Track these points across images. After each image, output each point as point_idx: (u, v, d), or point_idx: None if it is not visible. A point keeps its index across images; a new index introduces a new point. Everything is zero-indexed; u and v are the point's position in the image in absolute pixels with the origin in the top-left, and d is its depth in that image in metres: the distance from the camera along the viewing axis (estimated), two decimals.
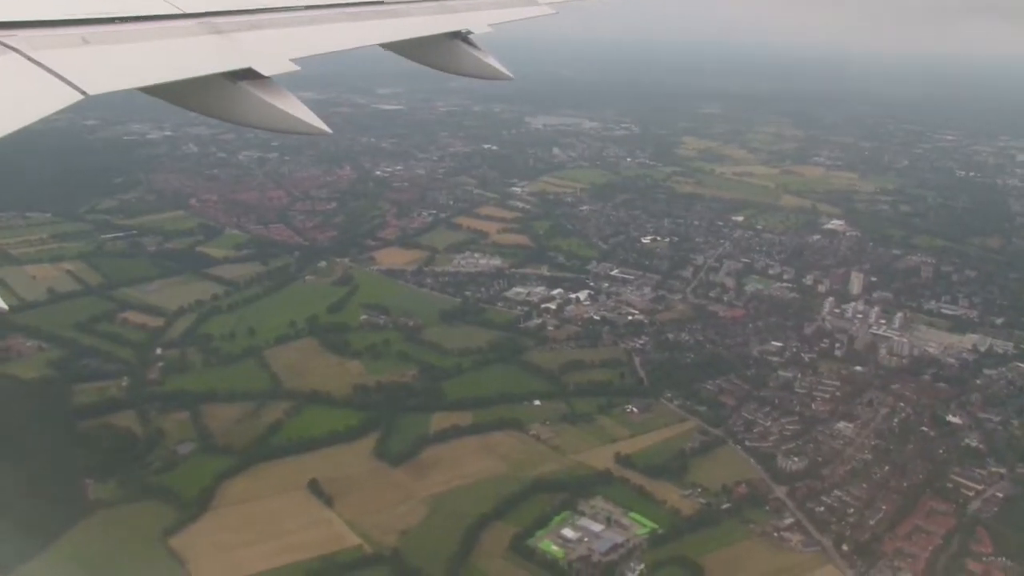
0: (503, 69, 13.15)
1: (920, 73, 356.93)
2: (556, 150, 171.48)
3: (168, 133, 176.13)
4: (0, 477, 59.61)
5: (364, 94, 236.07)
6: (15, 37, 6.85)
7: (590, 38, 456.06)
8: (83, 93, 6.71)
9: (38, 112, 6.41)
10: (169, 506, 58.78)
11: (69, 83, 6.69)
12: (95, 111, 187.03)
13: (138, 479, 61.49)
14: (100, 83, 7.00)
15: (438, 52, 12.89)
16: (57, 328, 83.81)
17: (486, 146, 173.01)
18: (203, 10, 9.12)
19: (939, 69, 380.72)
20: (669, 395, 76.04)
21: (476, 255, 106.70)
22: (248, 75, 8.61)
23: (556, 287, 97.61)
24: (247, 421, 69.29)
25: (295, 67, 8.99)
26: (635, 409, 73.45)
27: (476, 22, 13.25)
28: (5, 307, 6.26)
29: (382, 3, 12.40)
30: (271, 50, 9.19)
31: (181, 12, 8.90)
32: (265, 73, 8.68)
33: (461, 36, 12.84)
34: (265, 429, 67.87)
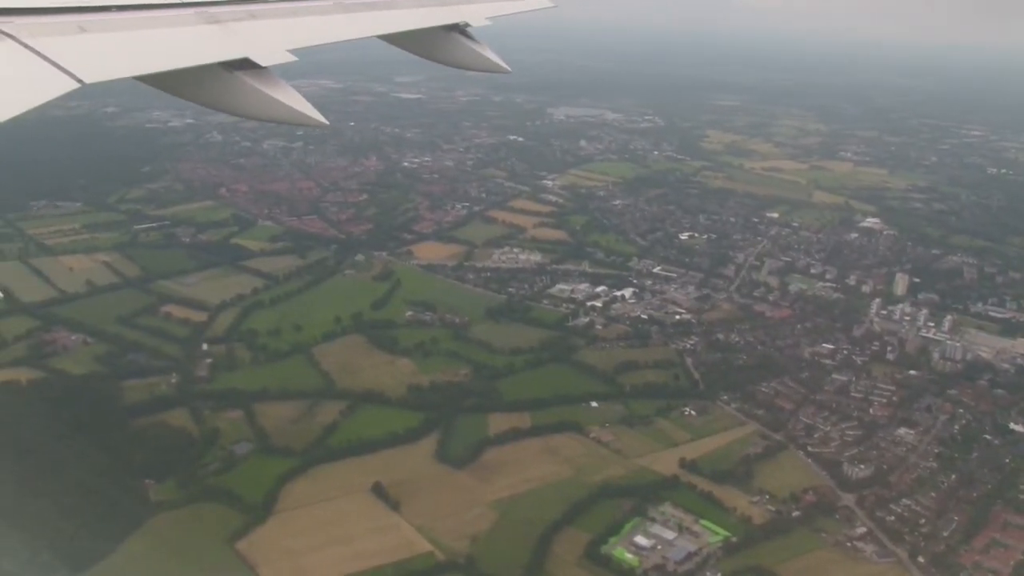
0: (500, 62, 13.18)
1: (935, 66, 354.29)
2: (583, 142, 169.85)
3: (190, 121, 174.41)
4: (62, 476, 58.95)
5: (382, 82, 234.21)
6: (12, 24, 6.86)
7: (592, 26, 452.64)
8: (80, 81, 6.69)
9: (35, 99, 6.35)
10: (232, 509, 57.80)
11: (66, 71, 6.68)
12: (114, 98, 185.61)
13: (198, 480, 60.58)
14: (97, 71, 6.98)
15: (436, 45, 12.94)
16: (100, 322, 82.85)
17: (511, 137, 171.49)
18: (201, 0, 9.16)
19: (953, 62, 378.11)
20: (725, 398, 75.10)
21: (515, 250, 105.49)
22: (245, 65, 8.61)
23: (599, 284, 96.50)
24: (302, 421, 68.30)
25: (293, 58, 9.01)
26: (693, 412, 72.53)
27: (474, 15, 13.25)
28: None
29: None
30: (269, 41, 9.21)
31: (179, 1, 8.94)
32: (262, 64, 8.68)
33: (459, 29, 12.85)
34: (322, 429, 66.85)
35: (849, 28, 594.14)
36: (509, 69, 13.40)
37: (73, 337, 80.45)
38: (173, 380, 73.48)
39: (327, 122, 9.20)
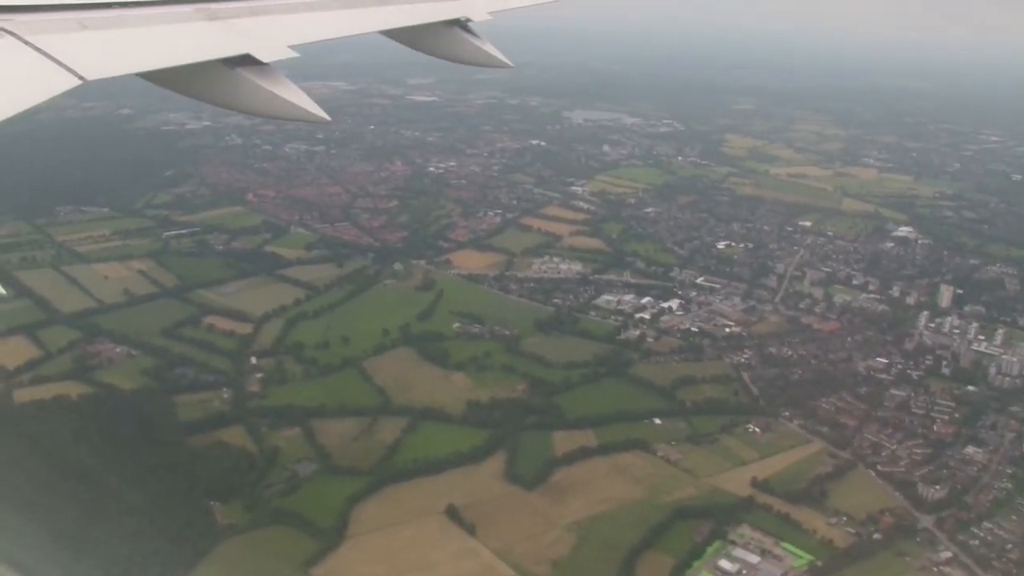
0: (502, 57, 13.17)
1: (938, 67, 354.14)
2: (606, 147, 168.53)
3: (207, 123, 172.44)
4: (126, 498, 57.36)
5: (396, 84, 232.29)
6: (13, 21, 6.85)
7: (598, 28, 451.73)
8: (81, 78, 6.69)
9: (37, 97, 6.35)
10: (304, 533, 56.50)
11: (67, 68, 6.68)
12: (128, 99, 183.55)
13: (264, 502, 59.10)
14: (98, 68, 6.98)
15: (437, 40, 12.88)
16: (143, 333, 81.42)
17: (533, 142, 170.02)
18: None
19: (954, 62, 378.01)
20: (787, 414, 74.02)
21: (555, 259, 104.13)
22: (246, 61, 8.57)
23: (644, 295, 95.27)
24: (363, 438, 66.96)
25: (294, 53, 8.99)
26: (757, 429, 71.44)
27: (475, 10, 13.21)
28: (3, 291, 5.43)
29: None
30: (269, 37, 9.18)
31: None
32: (263, 60, 8.65)
33: (460, 24, 12.82)
34: (385, 448, 65.54)
35: (841, 28, 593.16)
36: (511, 64, 13.33)
37: (117, 349, 79.00)
38: (225, 395, 72.13)
39: (328, 118, 9.14)
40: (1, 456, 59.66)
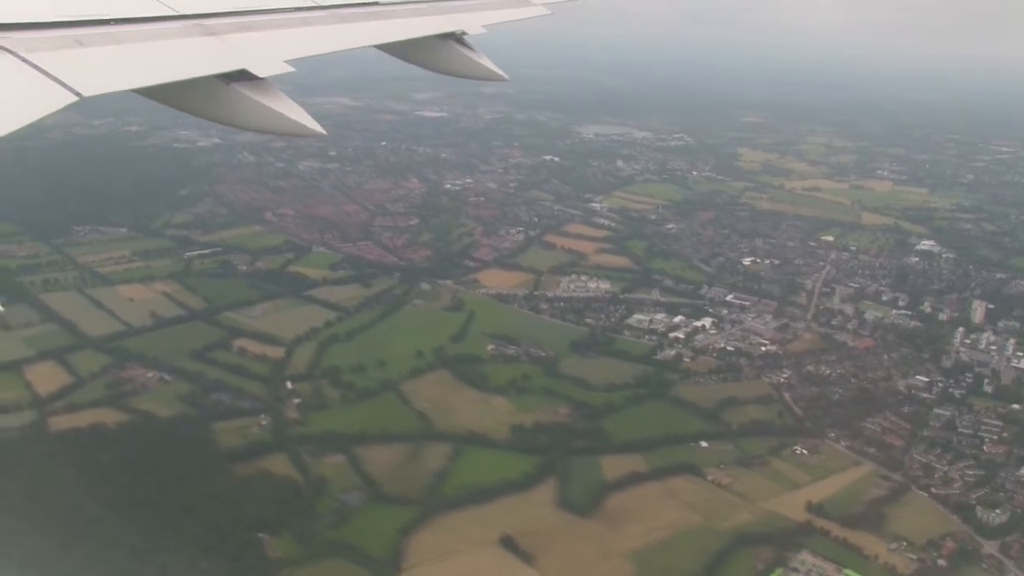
0: (497, 70, 13.23)
1: (938, 78, 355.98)
2: (620, 163, 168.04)
3: (217, 140, 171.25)
4: (175, 531, 56.04)
5: (402, 100, 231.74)
6: (11, 39, 6.93)
7: (596, 41, 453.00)
8: (77, 95, 6.76)
9: (35, 113, 6.40)
10: (359, 565, 55.24)
11: (64, 85, 6.74)
12: (136, 116, 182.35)
13: (315, 533, 57.77)
14: (95, 85, 7.04)
15: (432, 53, 12.99)
16: (173, 357, 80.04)
17: (547, 157, 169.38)
18: (197, 12, 9.25)
19: (953, 74, 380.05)
20: (833, 435, 73.10)
21: (583, 278, 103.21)
22: (242, 76, 8.65)
23: (676, 314, 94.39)
24: (409, 466, 65.67)
25: (289, 68, 9.07)
26: (805, 451, 70.45)
27: (470, 23, 13.32)
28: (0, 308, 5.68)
29: (376, 4, 12.46)
30: (265, 52, 9.28)
31: (175, 14, 9.00)
32: (259, 74, 8.74)
33: (455, 37, 12.90)
34: (432, 475, 64.23)
35: (835, 40, 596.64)
36: (506, 77, 13.41)
37: (149, 374, 77.58)
38: (264, 422, 70.72)
39: (324, 132, 9.13)
40: (43, 488, 58.38)
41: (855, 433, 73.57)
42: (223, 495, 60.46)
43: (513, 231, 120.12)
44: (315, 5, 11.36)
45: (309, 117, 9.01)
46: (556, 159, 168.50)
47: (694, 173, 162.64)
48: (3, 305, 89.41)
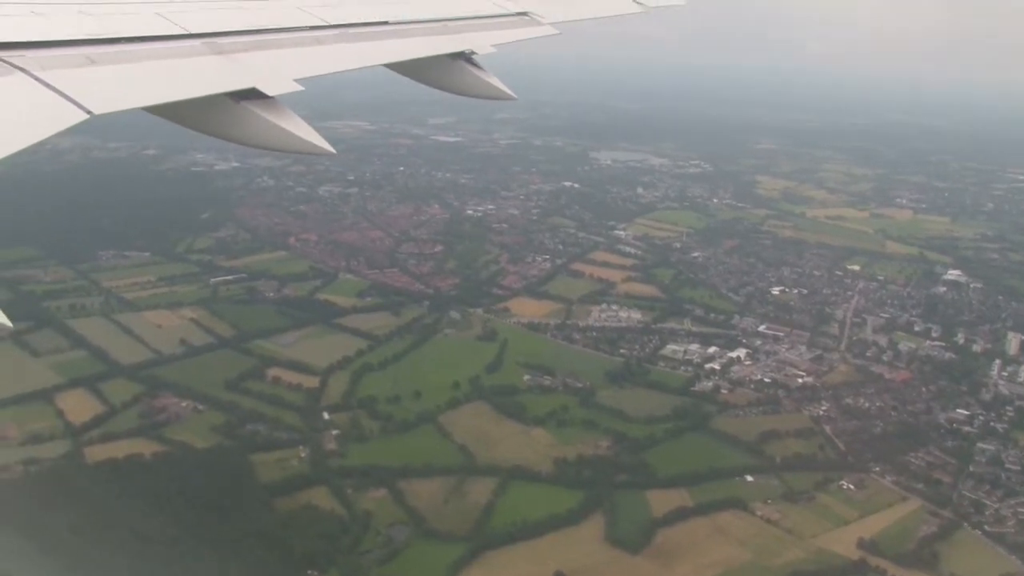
0: (506, 89, 13.34)
1: (952, 105, 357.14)
2: (640, 189, 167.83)
3: (235, 164, 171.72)
4: (223, 567, 55.07)
5: (417, 124, 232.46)
6: (24, 57, 7.09)
7: (602, 66, 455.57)
8: (88, 112, 6.84)
9: (45, 131, 6.54)
10: None
11: (75, 102, 6.85)
12: (153, 139, 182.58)
13: (364, 571, 56.78)
14: (106, 103, 7.12)
15: (441, 72, 13.06)
16: (206, 386, 79.37)
17: (566, 183, 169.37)
18: (207, 31, 9.31)
19: (958, 100, 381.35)
20: (877, 470, 72.07)
21: (614, 307, 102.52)
22: (252, 95, 8.68)
23: (709, 344, 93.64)
24: (453, 500, 64.69)
25: (299, 87, 9.11)
26: (851, 486, 69.44)
27: (479, 42, 13.40)
28: (9, 324, 5.92)
29: (385, 24, 12.49)
30: (274, 70, 9.31)
31: (186, 32, 9.10)
32: (269, 93, 8.77)
33: (464, 56, 12.97)
34: (478, 510, 63.20)
35: (841, 66, 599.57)
36: (515, 96, 13.48)
37: (183, 404, 76.93)
38: (303, 454, 69.78)
39: (334, 151, 9.09)
40: (85, 521, 57.46)
41: (900, 468, 72.55)
42: (268, 530, 59.39)
43: (539, 259, 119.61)
44: (325, 24, 11.37)
45: (318, 136, 9.04)
46: (576, 185, 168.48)
47: (714, 200, 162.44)
48: (31, 331, 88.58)
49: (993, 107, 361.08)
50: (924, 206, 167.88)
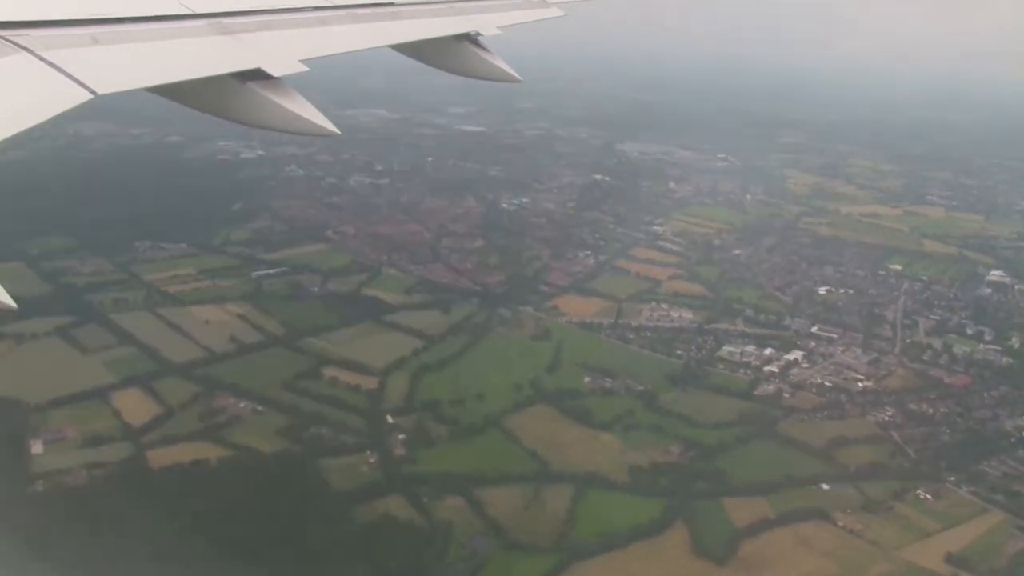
0: (513, 72, 13.16)
1: (970, 98, 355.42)
2: (672, 184, 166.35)
3: (261, 152, 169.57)
4: None
5: (438, 113, 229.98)
6: (28, 37, 7.00)
7: (595, 53, 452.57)
8: (92, 92, 6.83)
9: (51, 111, 6.51)
10: None
11: (79, 82, 6.82)
12: (174, 126, 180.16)
13: None
14: (110, 83, 7.10)
15: (447, 54, 12.92)
16: (263, 387, 77.94)
17: (597, 176, 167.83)
18: (212, 11, 9.18)
19: (964, 92, 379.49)
20: (952, 479, 71.03)
21: (663, 306, 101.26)
22: (257, 75, 8.61)
23: (764, 346, 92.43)
24: (532, 509, 63.51)
25: (304, 68, 9.00)
26: (928, 496, 68.42)
27: (485, 24, 13.24)
28: (14, 305, 5.89)
29: (391, 4, 12.27)
30: (280, 51, 9.19)
31: (191, 12, 8.94)
32: (274, 74, 8.70)
33: (470, 38, 12.84)
34: (559, 520, 62.03)
35: (861, 59, 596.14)
36: (520, 78, 13.25)
37: (242, 405, 75.48)
38: (372, 460, 68.51)
39: (338, 132, 9.03)
40: (161, 529, 56.25)
41: (975, 477, 71.56)
42: (350, 541, 58.22)
43: (581, 254, 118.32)
44: (331, 5, 11.20)
45: (322, 116, 8.90)
46: (607, 178, 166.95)
47: (748, 196, 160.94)
48: (76, 326, 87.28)
49: (1010, 102, 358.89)
50: (955, 203, 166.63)
